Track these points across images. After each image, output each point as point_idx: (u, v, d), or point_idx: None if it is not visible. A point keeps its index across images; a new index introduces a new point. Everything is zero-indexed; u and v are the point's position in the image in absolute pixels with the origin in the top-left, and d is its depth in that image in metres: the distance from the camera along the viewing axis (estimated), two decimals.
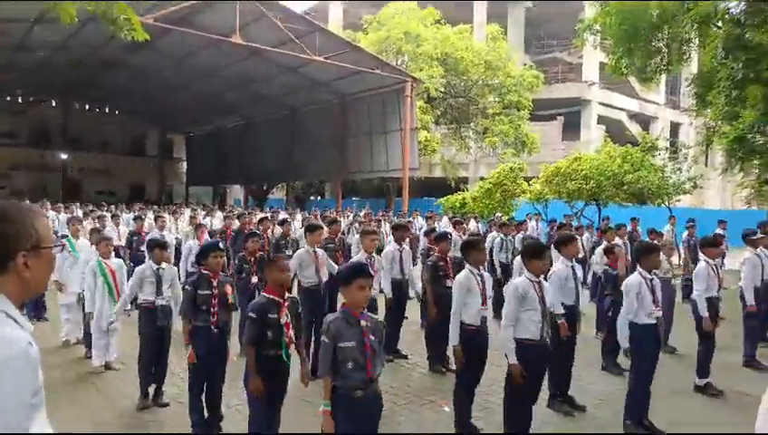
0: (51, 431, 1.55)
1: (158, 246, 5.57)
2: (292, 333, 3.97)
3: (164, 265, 5.53)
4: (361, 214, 17.75)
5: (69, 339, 7.42)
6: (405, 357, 7.03)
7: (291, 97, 28.54)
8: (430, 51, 28.65)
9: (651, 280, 4.89)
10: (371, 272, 3.38)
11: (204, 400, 4.66)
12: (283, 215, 18.19)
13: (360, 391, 3.15)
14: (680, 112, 39.37)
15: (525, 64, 34.30)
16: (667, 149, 21.52)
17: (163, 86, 29.01)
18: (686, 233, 12.30)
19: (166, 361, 5.50)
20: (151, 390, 5.45)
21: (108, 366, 6.44)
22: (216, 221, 15.96)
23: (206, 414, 4.66)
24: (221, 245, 5.24)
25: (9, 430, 1.38)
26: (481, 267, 4.97)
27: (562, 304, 5.32)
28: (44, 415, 1.54)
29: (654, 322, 4.81)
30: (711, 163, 32.93)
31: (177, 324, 5.48)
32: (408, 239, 8.09)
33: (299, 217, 19.56)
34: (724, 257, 12.02)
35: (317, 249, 6.52)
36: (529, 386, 4.22)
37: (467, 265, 4.87)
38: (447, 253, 6.95)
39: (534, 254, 4.40)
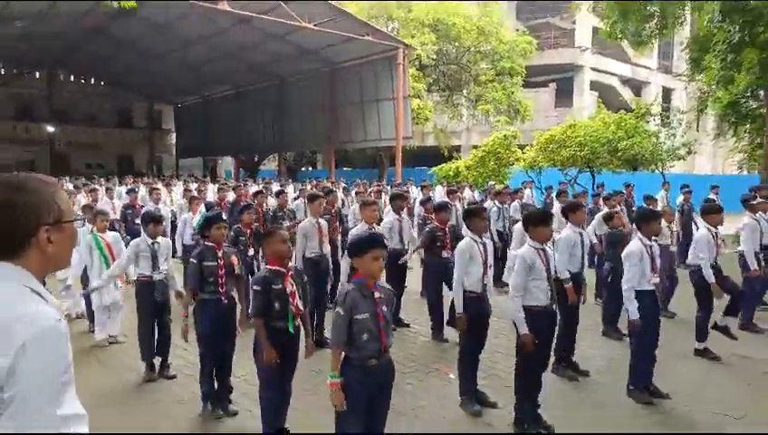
0: (81, 410, 1.52)
1: (152, 220, 5.47)
2: (299, 302, 3.96)
3: (159, 238, 5.47)
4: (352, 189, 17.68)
5: (70, 313, 7.39)
6: (407, 326, 7.08)
7: (280, 66, 28.12)
8: (421, 16, 28.20)
9: (651, 247, 4.90)
10: (385, 242, 3.34)
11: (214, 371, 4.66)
12: (276, 186, 18.08)
13: (374, 359, 3.15)
14: (672, 77, 39.24)
15: (518, 30, 33.88)
16: (660, 114, 21.49)
17: (150, 56, 28.46)
18: (680, 198, 12.32)
19: (168, 332, 5.48)
20: (158, 362, 5.46)
21: (113, 340, 6.43)
22: (210, 193, 15.84)
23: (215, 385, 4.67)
24: (223, 216, 5.19)
25: (41, 409, 1.35)
26: (483, 235, 4.94)
27: (568, 271, 5.34)
28: (74, 392, 1.51)
29: (653, 288, 4.84)
30: (702, 129, 32.93)
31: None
32: (405, 209, 8.06)
33: (291, 188, 19.43)
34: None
35: (320, 220, 6.48)
36: (539, 353, 4.25)
37: (469, 233, 4.85)
38: (447, 223, 6.95)
39: (540, 221, 4.38)
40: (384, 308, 3.21)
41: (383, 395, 3.28)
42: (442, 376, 5.42)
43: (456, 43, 29.53)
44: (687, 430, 4.43)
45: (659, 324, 4.95)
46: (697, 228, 7.48)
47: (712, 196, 12.30)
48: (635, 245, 4.89)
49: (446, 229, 6.87)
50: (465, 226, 5.04)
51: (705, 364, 5.87)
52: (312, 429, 4.21)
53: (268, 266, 4.00)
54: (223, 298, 4.60)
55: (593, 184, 19.43)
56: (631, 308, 4.74)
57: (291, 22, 20.84)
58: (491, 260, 4.79)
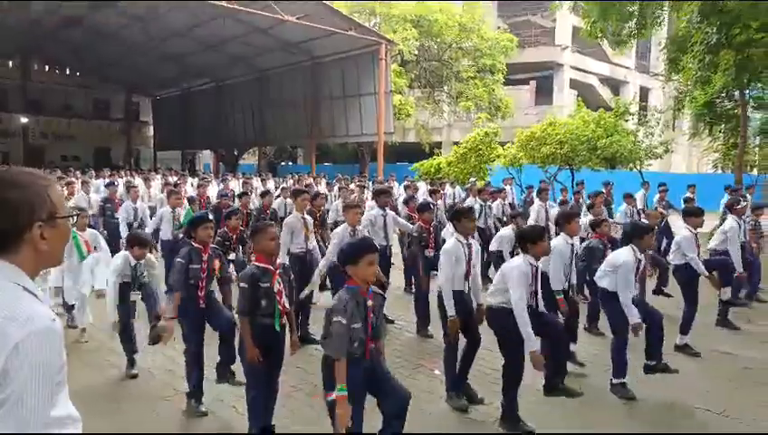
0: (74, 412, 1.50)
1: (138, 243, 5.25)
2: (285, 301, 3.94)
3: (143, 260, 5.31)
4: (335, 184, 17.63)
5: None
6: (392, 322, 7.08)
7: (262, 59, 27.88)
8: (404, 12, 28.18)
9: (640, 261, 5.01)
10: (377, 246, 3.34)
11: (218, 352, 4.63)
12: (257, 181, 17.94)
13: (356, 352, 3.19)
14: (650, 77, 39.77)
15: (499, 28, 34.07)
16: (638, 113, 21.79)
17: (128, 46, 27.96)
18: (657, 196, 12.52)
19: (155, 304, 5.28)
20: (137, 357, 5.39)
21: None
22: (188, 187, 15.66)
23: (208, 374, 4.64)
24: (210, 215, 5.12)
25: (36, 410, 1.33)
26: (470, 236, 4.92)
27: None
28: (67, 393, 1.48)
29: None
30: (678, 128, 33.49)
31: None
32: (389, 205, 8.05)
33: (271, 183, 19.33)
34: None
35: (306, 216, 6.45)
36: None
37: (455, 234, 4.84)
38: (431, 223, 7.01)
39: (538, 237, 4.37)
40: (373, 315, 3.24)
41: (380, 374, 3.29)
42: (428, 372, 5.44)
43: (438, 39, 29.57)
44: (669, 425, 4.51)
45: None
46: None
47: (689, 194, 12.54)
48: (629, 256, 4.91)
49: (431, 228, 6.91)
50: (450, 225, 5.03)
51: (685, 360, 5.98)
52: (299, 425, 4.19)
53: (256, 263, 3.96)
54: (201, 302, 4.54)
55: (573, 181, 19.65)
56: (634, 312, 4.79)
57: (273, 15, 20.66)
58: (476, 260, 4.80)
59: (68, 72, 37.18)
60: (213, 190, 13.54)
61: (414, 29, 28.07)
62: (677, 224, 8.42)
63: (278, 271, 3.96)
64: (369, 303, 3.21)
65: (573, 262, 5.53)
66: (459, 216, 4.84)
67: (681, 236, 6.20)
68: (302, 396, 4.75)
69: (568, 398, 4.53)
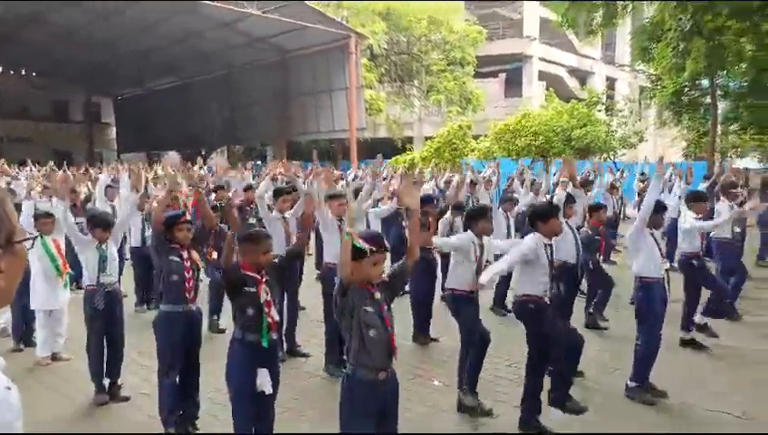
0: None
1: (98, 226, 4.81)
2: (274, 312, 3.56)
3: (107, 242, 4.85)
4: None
5: (7, 327, 6.60)
6: None
7: (229, 55, 27.10)
8: (372, 5, 27.79)
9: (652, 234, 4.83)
10: (386, 244, 2.95)
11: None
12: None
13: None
14: (616, 68, 40.17)
15: (467, 20, 33.90)
16: (609, 103, 21.91)
17: (88, 45, 26.78)
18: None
19: (120, 349, 4.90)
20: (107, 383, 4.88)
21: (55, 357, 5.77)
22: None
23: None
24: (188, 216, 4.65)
25: None
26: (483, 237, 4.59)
27: None
28: None
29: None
30: (644, 118, 33.86)
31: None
32: None
33: (249, 176, 18.67)
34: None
35: (286, 215, 5.99)
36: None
37: (472, 233, 4.51)
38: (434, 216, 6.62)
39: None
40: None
41: (391, 413, 3.06)
42: (427, 384, 5.08)
43: (407, 32, 29.27)
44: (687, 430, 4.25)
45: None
46: None
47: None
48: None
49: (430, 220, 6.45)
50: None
51: (691, 355, 5.75)
52: None
53: (243, 271, 3.54)
54: (193, 305, 4.18)
55: (545, 174, 19.58)
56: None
57: (238, 8, 20.03)
58: (485, 259, 4.52)
59: (24, 73, 35.66)
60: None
61: (383, 22, 27.70)
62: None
63: (265, 279, 3.56)
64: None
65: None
66: (477, 217, 4.51)
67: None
68: (292, 416, 4.33)
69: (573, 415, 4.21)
